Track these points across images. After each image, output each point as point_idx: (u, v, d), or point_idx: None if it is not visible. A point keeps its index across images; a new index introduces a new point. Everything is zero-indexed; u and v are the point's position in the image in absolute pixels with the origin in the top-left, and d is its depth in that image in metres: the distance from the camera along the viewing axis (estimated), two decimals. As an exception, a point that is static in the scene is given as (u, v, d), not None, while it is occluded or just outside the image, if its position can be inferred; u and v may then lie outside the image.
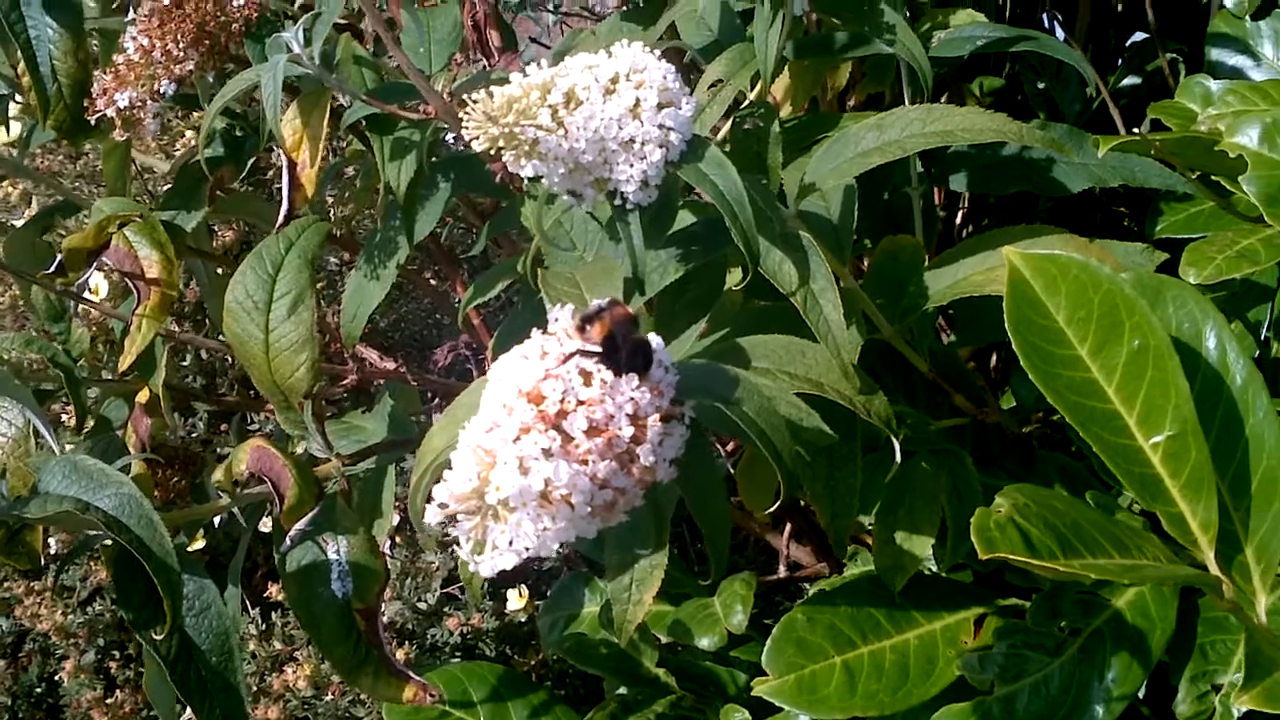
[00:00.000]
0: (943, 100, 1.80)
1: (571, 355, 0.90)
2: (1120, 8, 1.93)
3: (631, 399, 0.90)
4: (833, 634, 1.27)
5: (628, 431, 0.90)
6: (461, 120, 0.99)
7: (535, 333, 0.94)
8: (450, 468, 0.88)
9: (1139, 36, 1.84)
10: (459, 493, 0.87)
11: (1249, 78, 1.50)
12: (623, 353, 0.90)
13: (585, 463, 0.88)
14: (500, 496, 0.86)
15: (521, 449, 0.87)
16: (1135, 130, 1.32)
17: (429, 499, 0.88)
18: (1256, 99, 1.29)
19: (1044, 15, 1.90)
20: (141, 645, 1.15)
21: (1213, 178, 1.34)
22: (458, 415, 0.99)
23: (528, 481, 0.86)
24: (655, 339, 0.94)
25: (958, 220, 1.88)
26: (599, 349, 0.91)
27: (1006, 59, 1.87)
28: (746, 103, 1.30)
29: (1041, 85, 1.77)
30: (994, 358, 1.82)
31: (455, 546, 0.89)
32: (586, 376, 0.90)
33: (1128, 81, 1.80)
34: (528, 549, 0.87)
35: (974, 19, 1.43)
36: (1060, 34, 1.91)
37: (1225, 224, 1.36)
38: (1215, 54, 1.54)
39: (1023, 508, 0.95)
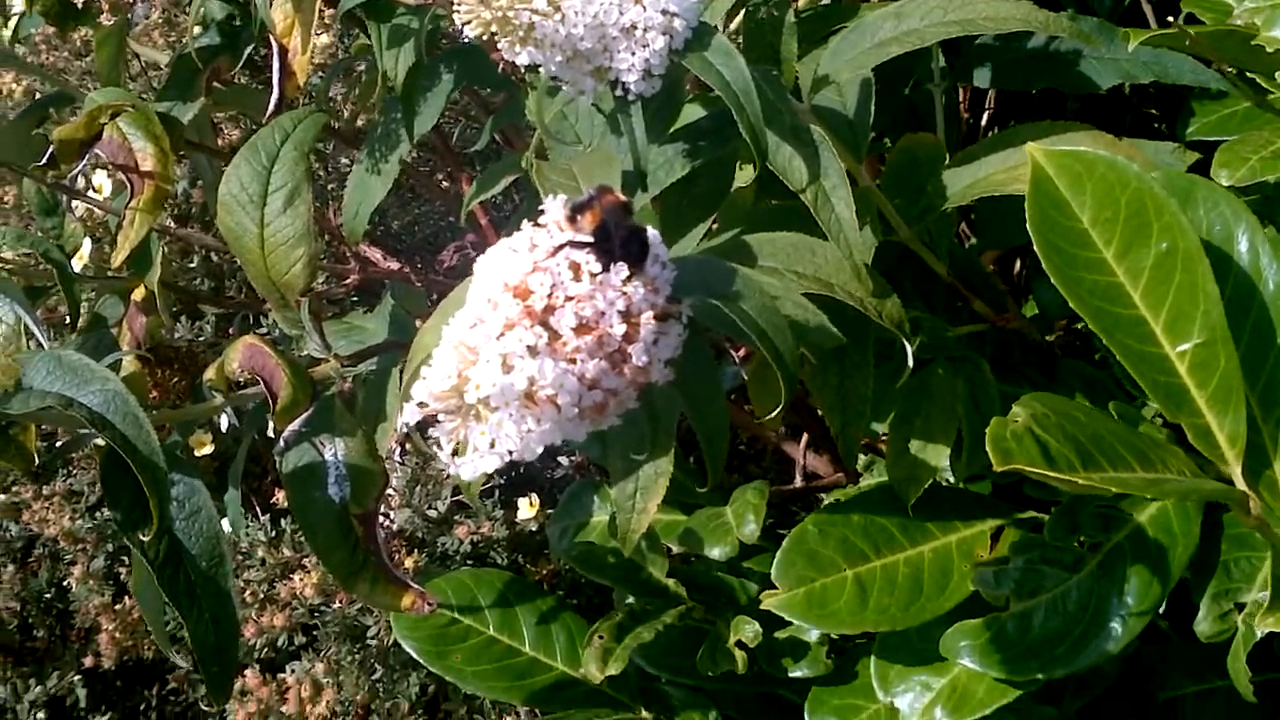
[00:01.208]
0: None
1: (561, 247, 0.86)
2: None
3: (624, 294, 0.86)
4: (844, 546, 1.24)
5: (619, 329, 0.86)
6: (454, 4, 0.94)
7: (525, 224, 0.90)
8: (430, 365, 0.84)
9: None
10: (438, 390, 0.83)
11: (1290, -28, 1.44)
12: (615, 241, 0.85)
13: (573, 361, 0.85)
14: (480, 395, 0.82)
15: (505, 345, 0.83)
16: (1169, 20, 1.25)
17: (409, 397, 0.84)
18: (1296, -11, 1.23)
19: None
20: (148, 550, 1.13)
21: (1249, 74, 1.28)
22: (449, 311, 0.95)
23: (510, 379, 0.82)
24: (652, 231, 0.89)
25: (984, 121, 1.82)
26: (590, 239, 0.86)
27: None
28: (760, -9, 1.25)
29: (1074, -21, 1.70)
30: (1018, 263, 1.76)
31: (435, 447, 0.85)
32: (576, 270, 0.86)
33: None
34: (511, 451, 0.84)
35: (1003, -96, 1.36)
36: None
37: (1261, 125, 1.31)
38: (1253, -54, 1.47)
39: (1041, 418, 0.91)
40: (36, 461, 1.21)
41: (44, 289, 1.55)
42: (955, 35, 1.08)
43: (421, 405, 0.83)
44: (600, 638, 1.36)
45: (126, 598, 2.14)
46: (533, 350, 0.83)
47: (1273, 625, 0.90)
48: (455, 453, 0.84)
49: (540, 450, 0.84)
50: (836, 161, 1.05)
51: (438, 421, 0.84)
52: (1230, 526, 1.18)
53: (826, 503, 1.32)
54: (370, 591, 1.20)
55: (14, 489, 2.27)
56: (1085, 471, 0.90)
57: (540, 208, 0.91)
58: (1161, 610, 1.28)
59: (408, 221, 2.42)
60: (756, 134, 0.99)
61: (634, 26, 0.97)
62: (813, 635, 1.38)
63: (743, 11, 1.22)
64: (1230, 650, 1.09)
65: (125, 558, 2.18)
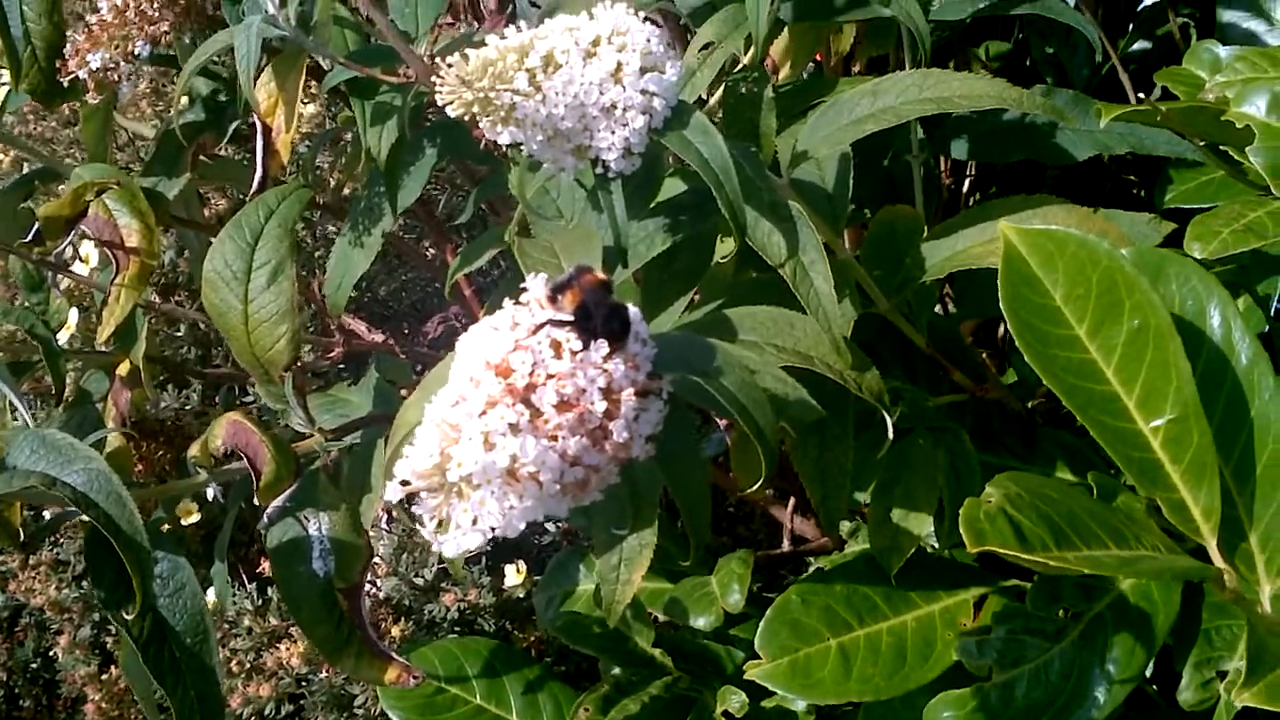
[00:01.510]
0: (950, 65, 1.76)
1: (542, 325, 0.87)
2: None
3: (605, 371, 0.87)
4: (828, 616, 1.24)
5: (600, 406, 0.86)
6: (435, 83, 0.96)
7: (506, 302, 0.90)
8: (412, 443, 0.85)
9: (1150, 0, 1.79)
10: (420, 469, 0.84)
11: (1262, 42, 1.46)
12: (597, 319, 0.86)
13: (555, 438, 0.85)
14: (463, 473, 0.83)
15: (487, 423, 0.84)
16: (1140, 96, 1.27)
17: (392, 475, 0.84)
18: (1266, 66, 1.25)
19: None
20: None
21: (1221, 147, 1.29)
22: (431, 388, 0.95)
23: (491, 458, 0.83)
24: (633, 309, 0.90)
25: (965, 188, 1.83)
26: (571, 318, 0.87)
27: (1015, 23, 1.82)
28: (740, 66, 1.26)
29: (1050, 50, 1.72)
30: (1001, 330, 1.77)
31: (419, 525, 0.85)
32: (557, 348, 0.87)
33: (1138, 46, 1.76)
34: (493, 528, 0.84)
35: (977, -19, 1.39)
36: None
37: (1236, 193, 1.32)
38: (1227, 17, 1.49)
39: (1015, 497, 0.92)
40: (21, 537, 1.22)
41: (29, 364, 1.56)
42: (931, 113, 1.09)
43: (404, 483, 0.83)
44: (585, 710, 1.37)
45: (113, 667, 2.14)
46: (514, 428, 0.83)
47: (1250, 699, 0.90)
48: (439, 529, 0.84)
49: (522, 526, 0.84)
50: (814, 236, 1.06)
51: (421, 498, 0.84)
52: (1211, 595, 1.18)
53: (811, 571, 1.33)
54: (355, 665, 1.20)
55: (0, 558, 2.27)
56: (1059, 551, 0.91)
57: (522, 286, 0.91)
58: (1148, 676, 1.29)
59: (393, 289, 2.43)
60: (735, 210, 1.00)
61: (614, 106, 0.98)
62: (799, 705, 1.38)
63: (723, 86, 1.24)
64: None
65: (111, 627, 2.18)
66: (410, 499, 0.85)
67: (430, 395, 0.89)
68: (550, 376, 0.86)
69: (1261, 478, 1.00)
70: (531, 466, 0.84)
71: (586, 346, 0.86)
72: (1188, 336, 0.99)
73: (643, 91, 0.98)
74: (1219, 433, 0.99)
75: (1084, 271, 0.97)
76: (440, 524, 0.84)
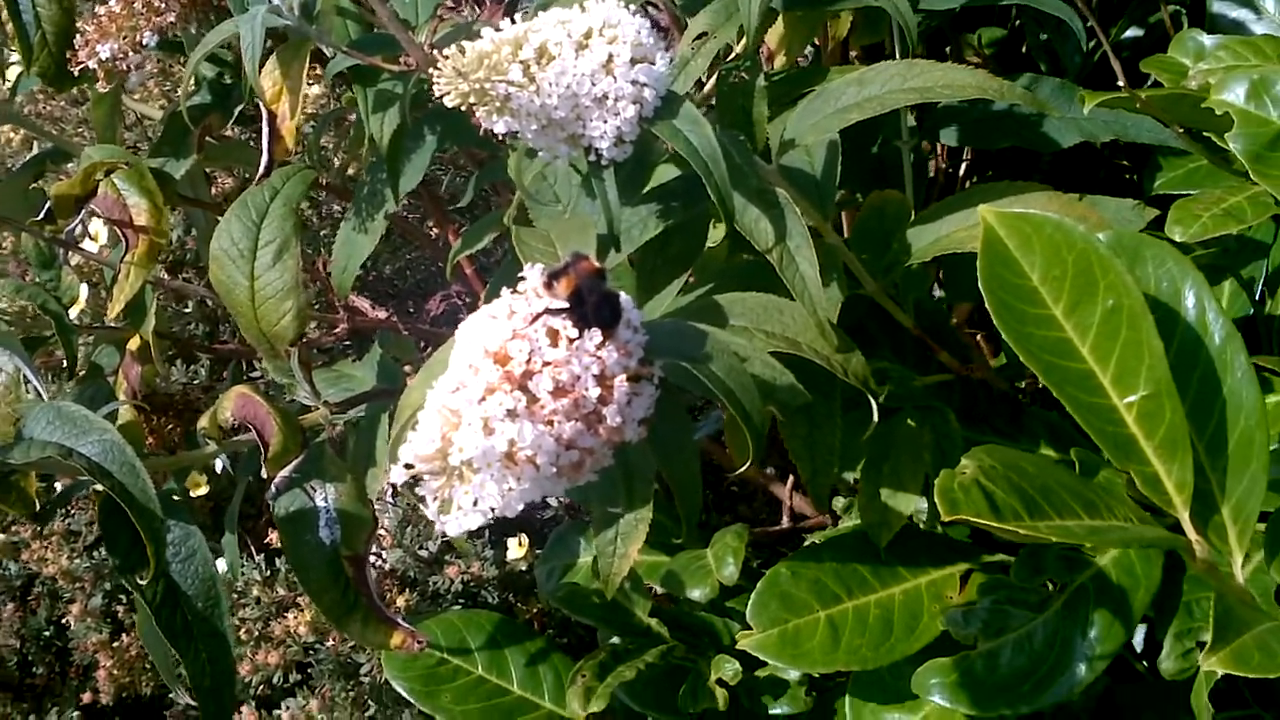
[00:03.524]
0: (946, 51, 1.79)
1: (539, 315, 0.90)
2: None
3: (598, 359, 0.90)
4: (817, 589, 1.28)
5: (594, 392, 0.90)
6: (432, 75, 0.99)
7: (504, 291, 0.94)
8: (415, 428, 0.88)
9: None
10: (423, 453, 0.87)
11: (1250, 32, 1.49)
12: (589, 305, 0.90)
13: (551, 423, 0.89)
14: (464, 457, 0.86)
15: (486, 410, 0.87)
16: (1121, 84, 1.30)
17: (396, 459, 0.88)
18: (1248, 54, 1.27)
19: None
20: (147, 590, 1.16)
21: (1204, 133, 1.32)
22: (434, 371, 0.99)
23: (491, 442, 0.86)
24: (624, 297, 0.94)
25: (960, 173, 1.86)
26: (565, 304, 0.90)
27: (1010, 10, 1.85)
28: (733, 55, 1.29)
29: (1044, 37, 1.74)
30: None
31: (422, 506, 0.89)
32: (554, 336, 0.90)
33: (1130, 34, 1.78)
34: (493, 509, 0.87)
35: (966, -30, 1.42)
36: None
37: (1222, 179, 1.35)
38: (1217, 7, 1.52)
39: (988, 469, 0.95)
40: (37, 506, 1.25)
41: (42, 339, 1.59)
42: (914, 102, 1.12)
43: (408, 467, 0.87)
44: (583, 676, 1.40)
45: (124, 635, 2.17)
46: (512, 414, 0.87)
47: (1217, 664, 0.94)
48: (442, 509, 0.88)
49: (521, 507, 0.88)
50: (800, 222, 1.09)
51: (424, 480, 0.88)
52: (1191, 568, 1.22)
53: (804, 546, 1.36)
54: (362, 631, 1.23)
55: (13, 528, 2.30)
56: (1031, 520, 0.94)
57: (520, 275, 0.95)
58: (1138, 649, 1.32)
59: (397, 268, 2.46)
60: (723, 197, 1.03)
61: (605, 96, 1.00)
62: (792, 674, 1.41)
63: (716, 74, 1.27)
64: (1193, 688, 1.12)
65: (123, 596, 2.21)
66: (415, 481, 0.89)
67: (433, 379, 0.92)
68: (547, 364, 0.89)
69: (1233, 453, 1.03)
70: (529, 450, 0.87)
71: (580, 332, 0.90)
72: (1162, 317, 1.02)
73: (633, 82, 1.01)
74: (1193, 409, 1.02)
75: (1060, 253, 1.00)
76: (443, 505, 0.88)
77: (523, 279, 0.95)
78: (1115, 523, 0.98)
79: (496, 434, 0.86)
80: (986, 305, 1.00)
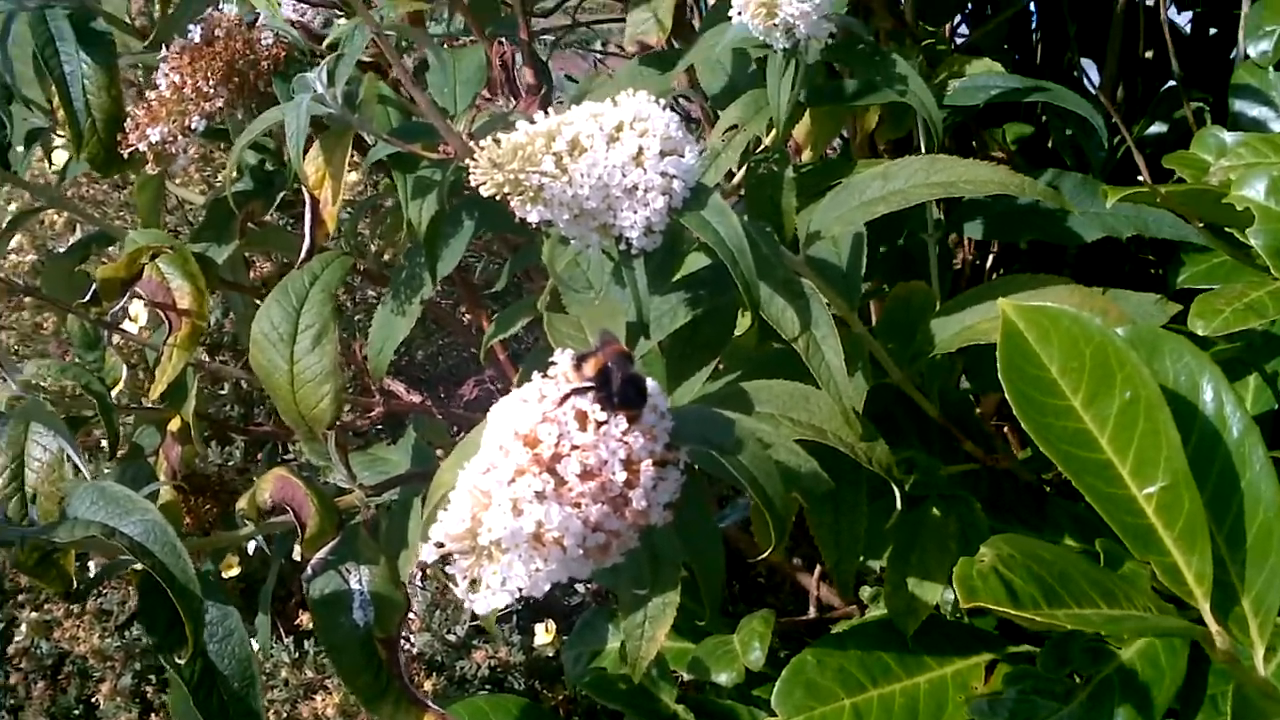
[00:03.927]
0: (972, 145, 1.82)
1: (567, 396, 0.92)
2: (1150, 56, 1.94)
3: (624, 444, 0.92)
4: (842, 676, 1.28)
5: (620, 476, 0.91)
6: (469, 165, 1.01)
7: (535, 375, 0.96)
8: (446, 508, 0.90)
9: (1169, 85, 1.84)
10: (453, 532, 0.89)
11: (1270, 129, 1.50)
12: (615, 385, 0.92)
13: (578, 506, 0.90)
14: (493, 538, 0.88)
15: (515, 491, 0.89)
16: (1140, 179, 1.32)
17: (427, 538, 0.90)
18: (1268, 151, 1.29)
19: (1072, 62, 1.90)
20: (176, 669, 1.18)
21: (1227, 229, 1.34)
22: (465, 453, 1.01)
23: (519, 523, 0.88)
24: (651, 382, 0.96)
25: (987, 265, 1.88)
26: (592, 384, 0.92)
27: (1037, 105, 1.87)
28: (762, 148, 1.32)
29: (1069, 132, 1.77)
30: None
31: (451, 584, 0.91)
32: (582, 420, 0.92)
33: (1154, 129, 1.81)
34: (520, 589, 0.89)
35: (990, 69, 1.45)
36: (1096, 77, 1.92)
37: (1246, 275, 1.36)
38: (1238, 105, 1.54)
39: (1007, 558, 0.96)
40: (74, 584, 1.27)
41: (83, 419, 1.62)
42: (938, 196, 1.14)
43: (439, 545, 0.88)
44: (610, 764, 1.41)
45: (153, 715, 2.19)
46: (540, 495, 0.88)
47: (1238, 756, 0.95)
48: (471, 588, 0.89)
49: (548, 587, 0.89)
50: (825, 312, 1.11)
51: (454, 559, 0.89)
52: (1216, 661, 1.22)
53: (829, 634, 1.37)
54: (393, 713, 1.24)
55: (45, 607, 2.32)
56: (1049, 608, 0.95)
57: (550, 360, 0.97)
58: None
59: (431, 352, 2.49)
60: (749, 286, 1.05)
61: (635, 187, 1.03)
62: (819, 762, 1.42)
63: (746, 166, 1.29)
64: (1220, 784, 1.13)
65: (152, 676, 2.23)
66: (445, 559, 0.90)
67: (464, 460, 0.94)
68: (575, 448, 0.91)
69: (1253, 545, 1.03)
70: (556, 532, 0.89)
71: (607, 414, 0.91)
72: (1181, 410, 1.02)
73: (662, 174, 1.03)
74: (1212, 501, 1.02)
75: (1077, 346, 1.01)
76: (472, 583, 0.90)
77: (553, 363, 0.97)
78: (1134, 612, 0.99)
79: (525, 515, 0.88)
80: (1006, 395, 1.01)
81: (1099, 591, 0.98)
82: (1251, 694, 0.99)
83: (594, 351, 0.95)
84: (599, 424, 0.92)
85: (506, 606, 0.90)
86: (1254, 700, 0.98)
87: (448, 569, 0.90)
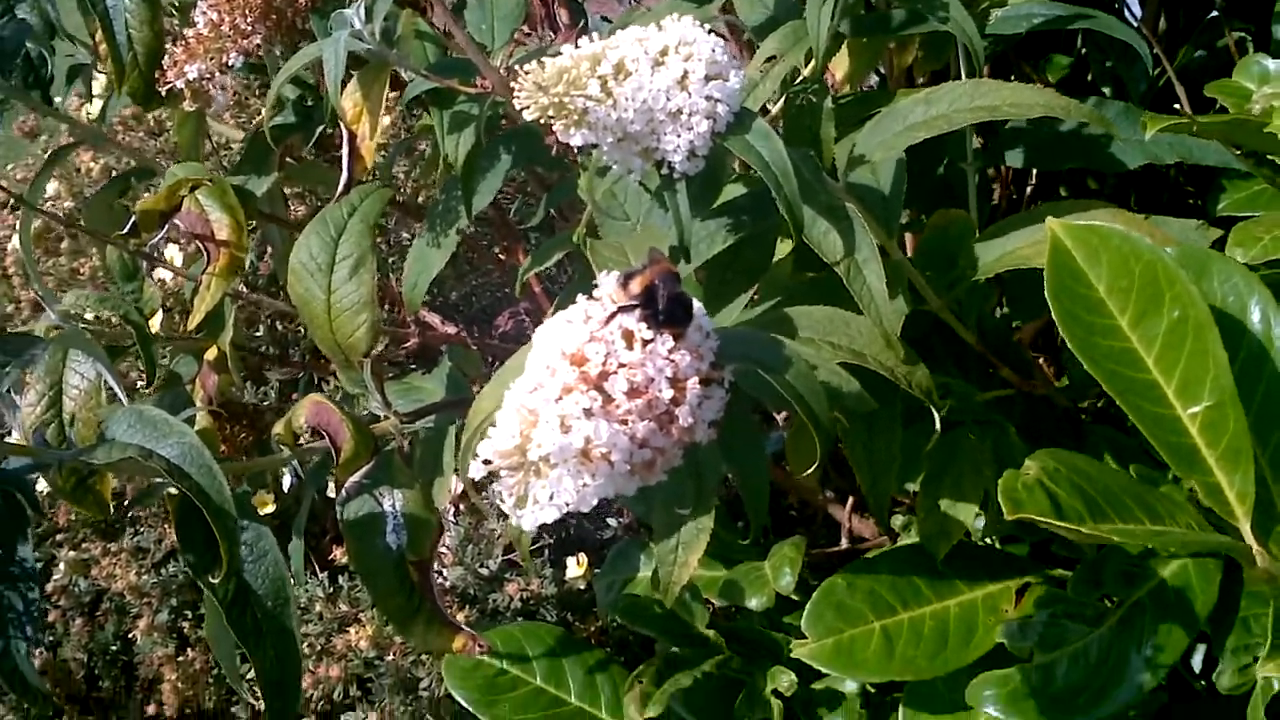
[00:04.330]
0: (1011, 79, 1.81)
1: (614, 315, 0.93)
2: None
3: (671, 362, 0.92)
4: (872, 599, 1.28)
5: (667, 394, 0.92)
6: (512, 90, 1.02)
7: (580, 297, 0.96)
8: (495, 426, 0.91)
9: (1211, 14, 1.83)
10: (502, 449, 0.90)
11: (1313, 60, 1.49)
12: (661, 303, 0.92)
13: (625, 423, 0.91)
14: (541, 453, 0.89)
15: (563, 408, 0.89)
16: (1175, 108, 1.31)
17: (474, 455, 0.91)
18: (1311, 80, 1.29)
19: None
20: (212, 603, 1.19)
21: (1269, 157, 1.34)
22: (506, 379, 1.01)
23: (569, 439, 0.88)
24: (697, 303, 0.96)
25: (1026, 195, 1.88)
26: (638, 302, 0.93)
27: (1075, 38, 1.86)
28: (801, 79, 1.32)
29: (1109, 64, 1.76)
30: (1059, 337, 1.81)
31: (499, 501, 0.92)
32: (629, 339, 0.92)
33: (1196, 57, 1.79)
34: (568, 504, 0.90)
35: (1032, -2, 1.44)
36: (1137, 9, 1.91)
37: (1284, 202, 1.36)
38: (1280, 32, 1.53)
39: (1052, 471, 0.97)
40: (111, 511, 1.28)
41: (121, 349, 1.64)
42: (981, 120, 1.14)
43: (487, 462, 0.89)
44: (640, 682, 1.41)
45: (189, 649, 2.21)
46: (588, 412, 0.89)
47: (1274, 671, 0.95)
48: (518, 504, 0.90)
49: (595, 502, 0.91)
50: (868, 236, 1.11)
51: (501, 476, 0.90)
52: (1249, 584, 1.22)
53: (860, 559, 1.38)
54: (425, 635, 1.26)
55: (83, 545, 2.35)
56: (1093, 523, 0.95)
57: (594, 282, 0.98)
58: (1197, 670, 1.33)
59: (466, 292, 2.50)
60: (793, 209, 1.05)
61: (680, 111, 1.03)
62: (848, 687, 1.43)
63: (784, 97, 1.29)
64: (1250, 702, 1.13)
65: (189, 612, 2.25)
66: (484, 483, 0.91)
67: (505, 385, 0.94)
68: (622, 365, 0.91)
69: (1299, 464, 1.04)
70: (604, 448, 0.89)
71: (654, 332, 0.92)
72: (1228, 330, 1.02)
73: (707, 98, 1.03)
74: (1256, 421, 1.02)
75: (1127, 265, 1.01)
76: (518, 500, 0.91)
77: (596, 285, 0.97)
78: (1177, 529, 0.99)
79: (573, 431, 0.89)
80: (1053, 315, 1.01)
81: (1142, 507, 0.99)
82: (1290, 612, 1.00)
83: (641, 270, 0.95)
84: (645, 342, 0.92)
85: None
86: (1294, 617, 0.98)
87: (494, 486, 0.92)
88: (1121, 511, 0.98)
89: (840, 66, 1.51)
